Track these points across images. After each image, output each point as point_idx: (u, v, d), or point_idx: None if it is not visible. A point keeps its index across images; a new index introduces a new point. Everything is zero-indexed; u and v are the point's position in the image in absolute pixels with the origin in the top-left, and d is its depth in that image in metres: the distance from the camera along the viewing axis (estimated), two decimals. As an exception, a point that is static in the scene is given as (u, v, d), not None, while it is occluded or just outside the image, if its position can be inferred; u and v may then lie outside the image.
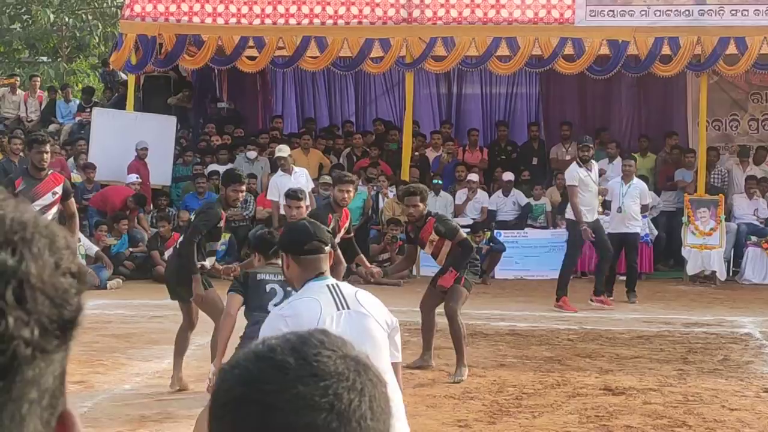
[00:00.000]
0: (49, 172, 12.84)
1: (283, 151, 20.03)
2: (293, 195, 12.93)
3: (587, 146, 17.54)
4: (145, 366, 12.62)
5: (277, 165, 20.74)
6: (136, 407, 10.63)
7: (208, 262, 11.41)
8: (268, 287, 9.12)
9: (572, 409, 10.61)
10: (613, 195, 18.62)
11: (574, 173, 17.26)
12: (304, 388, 1.73)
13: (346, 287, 5.54)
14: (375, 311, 5.48)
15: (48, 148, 13.01)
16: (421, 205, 12.40)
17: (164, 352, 13.24)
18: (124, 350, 13.51)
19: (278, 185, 19.38)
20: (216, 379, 1.83)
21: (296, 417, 1.72)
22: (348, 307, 5.42)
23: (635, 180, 18.56)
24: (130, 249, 20.75)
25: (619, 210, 18.23)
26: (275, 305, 7.93)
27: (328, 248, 5.64)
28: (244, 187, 11.85)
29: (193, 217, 11.58)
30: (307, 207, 13.05)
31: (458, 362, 12.11)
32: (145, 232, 21.31)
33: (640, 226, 18.65)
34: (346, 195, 12.76)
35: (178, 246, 11.57)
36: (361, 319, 5.40)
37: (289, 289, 8.69)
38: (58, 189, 12.66)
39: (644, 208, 18.74)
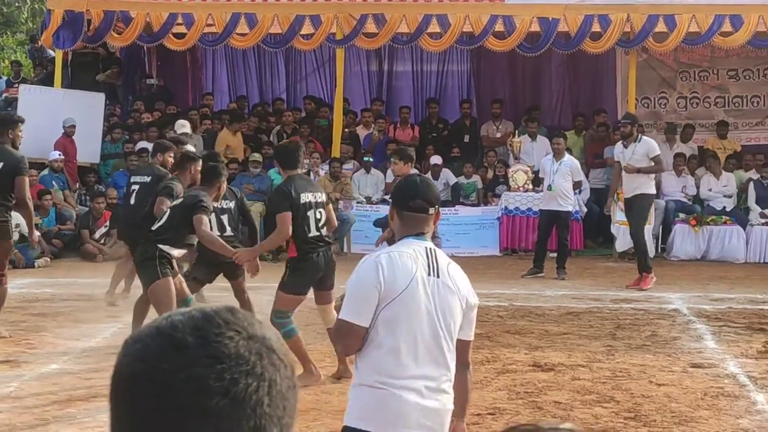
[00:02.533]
0: None
1: (185, 126, 19.99)
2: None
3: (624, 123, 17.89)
4: (72, 345, 12.50)
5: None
6: (63, 386, 10.53)
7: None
8: None
9: (501, 386, 10.65)
10: (545, 172, 18.68)
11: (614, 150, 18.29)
12: (200, 370, 1.68)
13: (441, 256, 5.53)
14: (461, 287, 5.48)
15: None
16: None
17: (92, 331, 13.16)
18: (51, 329, 13.37)
19: None
20: (119, 352, 1.77)
21: (189, 399, 1.67)
22: (438, 276, 5.41)
23: (566, 157, 18.61)
24: (59, 226, 20.55)
25: (550, 188, 18.30)
26: None
27: (433, 209, 5.63)
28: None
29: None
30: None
31: None
32: (73, 210, 21.11)
33: (572, 204, 18.74)
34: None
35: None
36: (447, 292, 5.40)
37: None
38: None
39: (576, 185, 18.83)
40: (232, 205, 12.77)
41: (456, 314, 5.44)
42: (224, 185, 11.72)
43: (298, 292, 10.81)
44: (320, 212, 10.76)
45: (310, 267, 10.74)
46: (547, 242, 18.79)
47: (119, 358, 1.76)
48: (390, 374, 5.30)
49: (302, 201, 10.57)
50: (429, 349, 5.34)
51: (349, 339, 5.41)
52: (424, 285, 5.36)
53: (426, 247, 5.50)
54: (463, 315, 5.48)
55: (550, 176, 18.31)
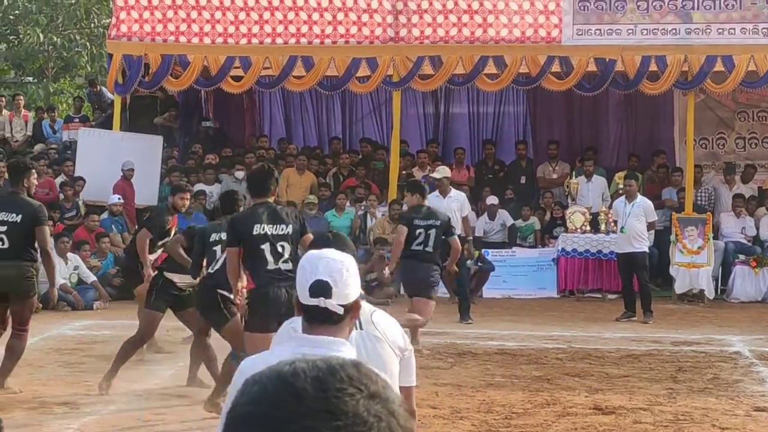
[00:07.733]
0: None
1: (440, 172, 19.42)
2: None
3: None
4: (131, 386, 12.51)
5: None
6: (122, 428, 10.55)
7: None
8: None
9: (562, 429, 10.54)
10: (618, 215, 18.58)
11: None
12: (314, 423, 1.63)
13: (363, 306, 5.39)
14: (389, 334, 5.32)
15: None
16: None
17: (149, 373, 13.18)
18: (110, 371, 13.38)
19: None
20: (239, 389, 1.74)
21: None
22: (361, 327, 5.25)
23: (639, 198, 18.52)
24: (117, 268, 20.58)
25: (622, 230, 18.21)
26: None
27: None
28: (188, 195, 13.15)
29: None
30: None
31: None
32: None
33: (646, 244, 18.56)
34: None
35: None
36: (373, 341, 5.25)
37: None
38: None
39: (650, 226, 18.68)
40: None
41: (389, 363, 5.29)
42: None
43: (259, 329, 9.76)
44: (282, 245, 10.10)
45: (270, 302, 9.97)
46: (631, 285, 18.54)
47: (237, 397, 1.73)
48: None
49: (254, 232, 10.02)
50: None
51: None
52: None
53: None
54: (401, 361, 5.39)
55: (623, 218, 18.20)
